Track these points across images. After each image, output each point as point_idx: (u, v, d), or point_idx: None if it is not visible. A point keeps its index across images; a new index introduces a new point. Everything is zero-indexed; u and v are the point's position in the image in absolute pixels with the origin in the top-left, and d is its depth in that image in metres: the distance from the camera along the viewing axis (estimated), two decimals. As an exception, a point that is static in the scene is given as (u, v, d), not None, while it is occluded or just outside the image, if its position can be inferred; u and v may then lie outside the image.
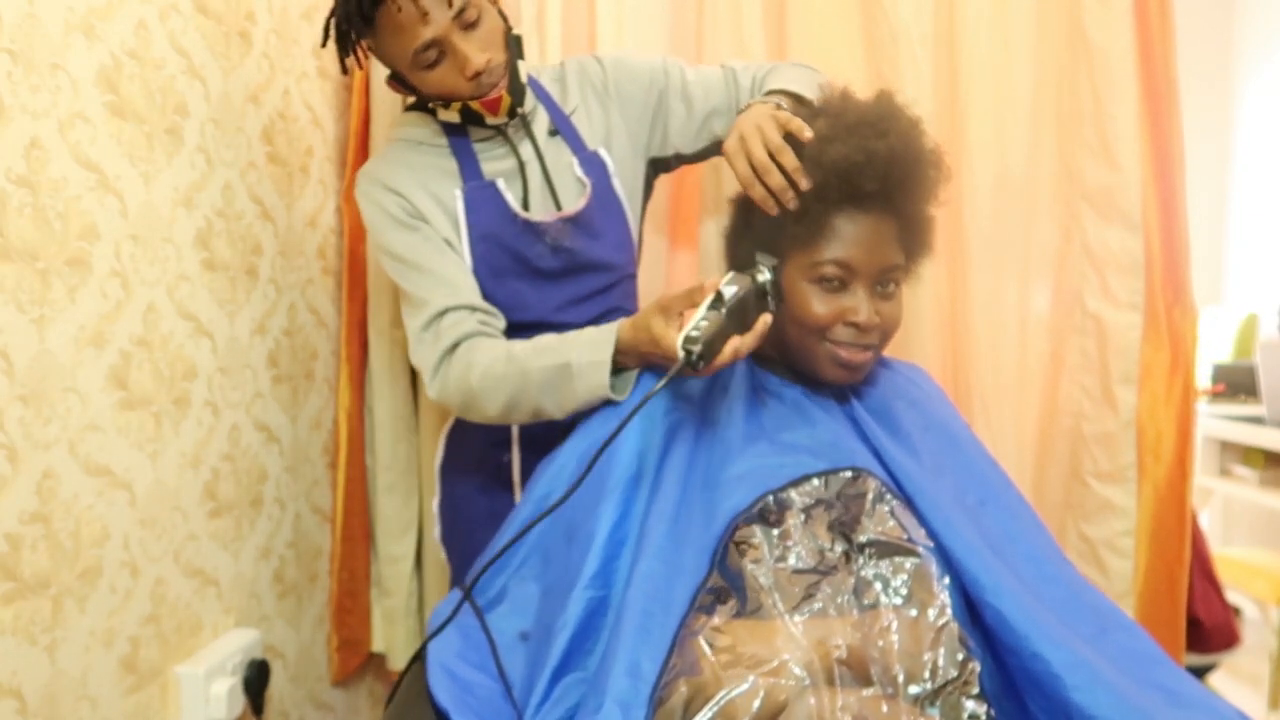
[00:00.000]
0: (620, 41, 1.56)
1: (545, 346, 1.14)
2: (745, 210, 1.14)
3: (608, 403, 1.12)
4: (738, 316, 0.99)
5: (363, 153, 1.61)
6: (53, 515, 0.97)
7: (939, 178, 1.08)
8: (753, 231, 1.11)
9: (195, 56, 1.20)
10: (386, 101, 1.58)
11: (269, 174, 1.39)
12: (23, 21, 0.91)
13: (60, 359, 0.97)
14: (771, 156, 1.06)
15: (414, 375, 1.68)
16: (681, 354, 0.95)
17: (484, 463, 1.36)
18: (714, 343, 0.96)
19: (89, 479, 1.02)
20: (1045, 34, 1.55)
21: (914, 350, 1.53)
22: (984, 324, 1.57)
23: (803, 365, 1.09)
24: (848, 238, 1.03)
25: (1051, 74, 1.56)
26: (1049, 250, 1.58)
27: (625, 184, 1.31)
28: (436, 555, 1.68)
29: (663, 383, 0.97)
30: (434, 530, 1.46)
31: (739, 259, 1.14)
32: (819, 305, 1.04)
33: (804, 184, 1.04)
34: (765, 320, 1.02)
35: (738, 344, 1.00)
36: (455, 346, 1.19)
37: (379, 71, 1.57)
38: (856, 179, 1.01)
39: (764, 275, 1.04)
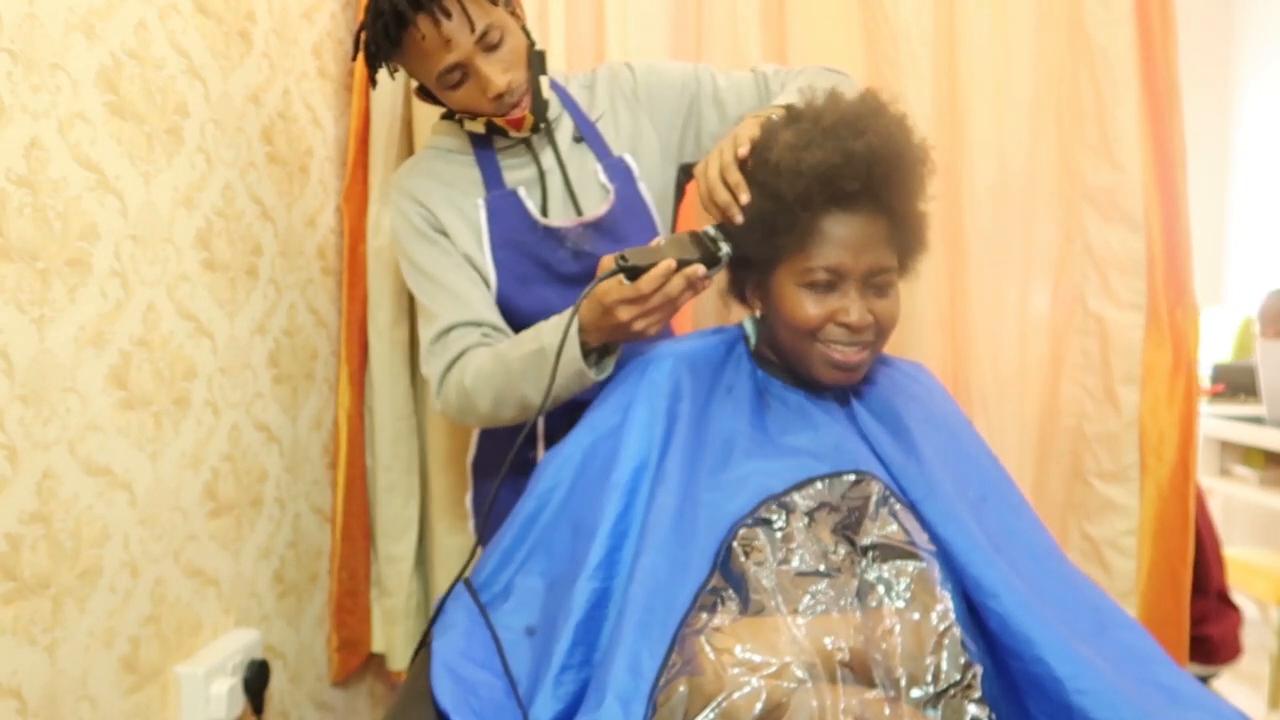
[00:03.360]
0: (625, 40, 1.56)
1: (522, 338, 1.18)
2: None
3: (604, 386, 1.13)
4: (678, 248, 1.06)
5: (363, 153, 1.61)
6: (53, 515, 0.97)
7: (926, 173, 1.08)
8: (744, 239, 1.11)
9: (195, 56, 1.20)
10: (386, 101, 1.58)
11: (269, 174, 1.39)
12: (23, 21, 0.91)
13: (60, 359, 0.97)
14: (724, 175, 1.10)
15: (414, 375, 1.68)
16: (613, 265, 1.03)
17: (512, 459, 1.37)
18: (645, 257, 1.03)
19: (89, 479, 1.02)
20: (1046, 34, 1.55)
21: (914, 350, 1.53)
22: (985, 324, 1.57)
23: (798, 368, 1.09)
24: (835, 241, 1.03)
25: (1052, 74, 1.56)
26: (1050, 250, 1.59)
27: (653, 189, 1.33)
28: (436, 555, 1.69)
29: (593, 286, 1.05)
30: (468, 524, 1.49)
31: (737, 271, 1.14)
32: (810, 307, 1.04)
33: (744, 198, 1.06)
34: (697, 269, 1.05)
35: (670, 266, 1.03)
36: (456, 360, 1.23)
37: (379, 72, 1.57)
38: (837, 181, 1.01)
39: (723, 247, 1.08)
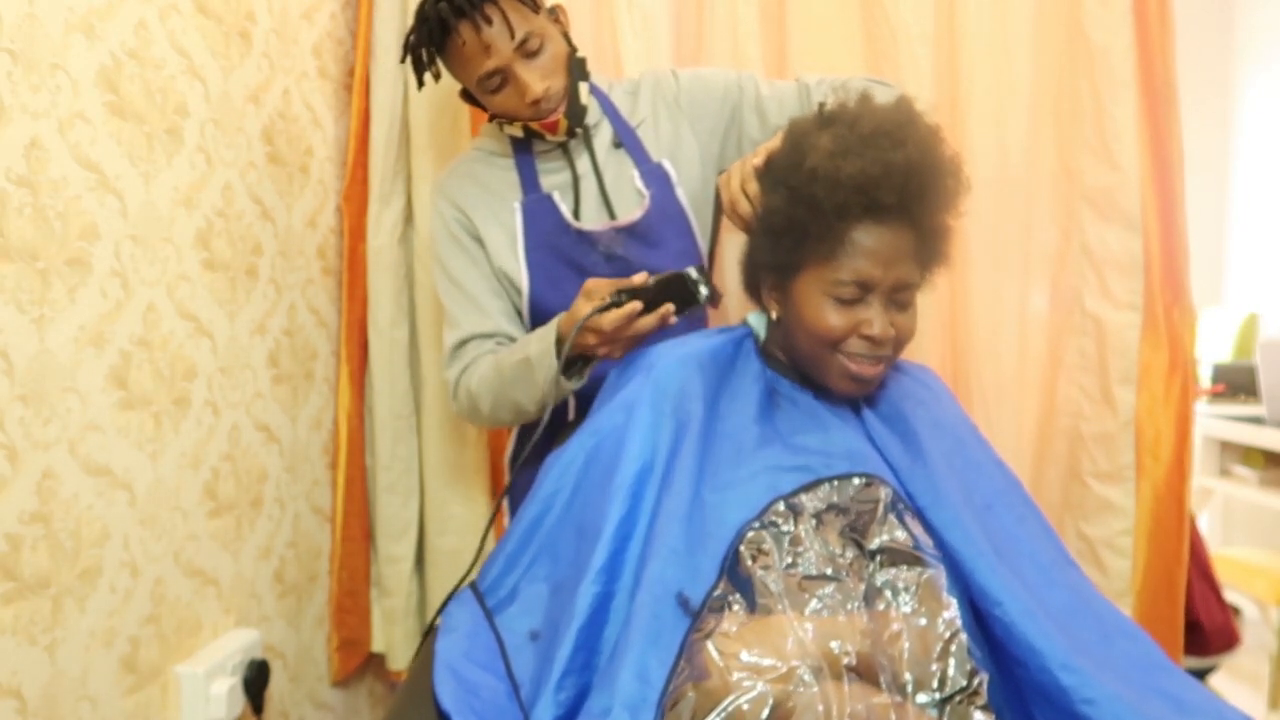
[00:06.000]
0: (625, 41, 1.57)
1: (515, 346, 1.25)
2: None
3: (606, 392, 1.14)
4: (660, 288, 1.11)
5: (363, 153, 1.61)
6: (53, 515, 0.97)
7: (958, 188, 1.06)
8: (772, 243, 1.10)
9: (195, 56, 1.20)
10: (386, 101, 1.58)
11: (269, 174, 1.39)
12: (23, 21, 0.91)
13: (60, 359, 0.97)
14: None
15: (414, 375, 1.68)
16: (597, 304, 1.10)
17: (544, 455, 1.38)
18: (619, 302, 1.10)
19: (89, 479, 1.02)
20: (1045, 34, 1.56)
21: (914, 350, 1.52)
22: (983, 324, 1.58)
23: (813, 375, 1.08)
24: (865, 252, 1.01)
25: (1051, 74, 1.56)
26: (1048, 250, 1.59)
27: (692, 195, 1.35)
28: (436, 555, 1.69)
29: (557, 324, 1.14)
30: (506, 519, 1.50)
31: (755, 271, 1.14)
32: (833, 317, 1.02)
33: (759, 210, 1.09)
34: (668, 308, 1.10)
35: (635, 308, 1.09)
36: (469, 366, 1.30)
37: (379, 72, 1.58)
38: (874, 193, 0.99)
39: (702, 290, 1.11)
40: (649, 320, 1.10)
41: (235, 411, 1.31)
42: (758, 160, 1.10)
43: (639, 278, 1.13)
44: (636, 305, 1.09)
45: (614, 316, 1.09)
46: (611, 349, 1.14)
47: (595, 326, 1.10)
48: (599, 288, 1.12)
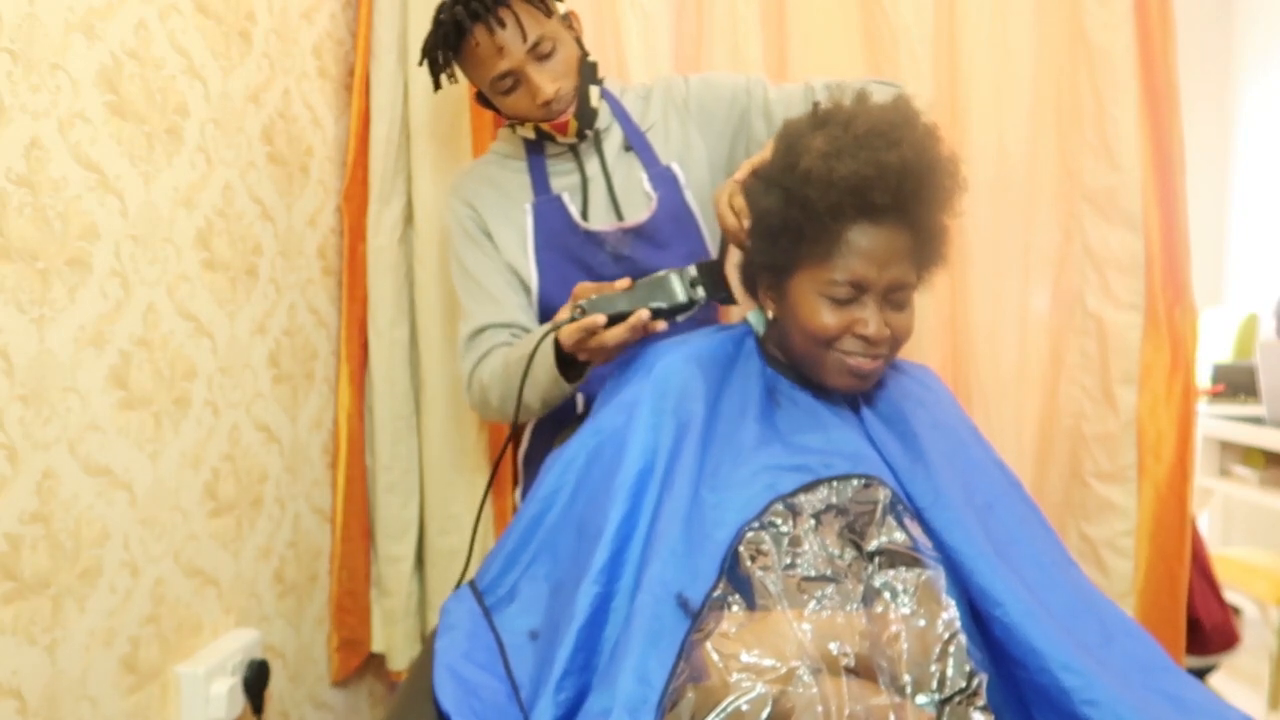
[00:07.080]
0: (625, 39, 1.57)
1: (522, 341, 1.28)
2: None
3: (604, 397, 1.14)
4: (649, 292, 1.11)
5: (363, 153, 1.61)
6: (53, 515, 0.97)
7: (954, 188, 1.05)
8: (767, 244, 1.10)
9: (195, 56, 1.20)
10: (386, 101, 1.58)
11: (269, 174, 1.39)
12: (23, 21, 0.91)
13: (60, 359, 0.97)
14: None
15: (414, 375, 1.68)
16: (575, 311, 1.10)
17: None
18: (597, 306, 1.10)
19: (89, 479, 1.02)
20: (1045, 34, 1.56)
21: (914, 350, 1.53)
22: (984, 324, 1.57)
23: (811, 373, 1.08)
24: (860, 253, 1.01)
25: (1051, 74, 1.56)
26: (1049, 250, 1.59)
27: (700, 198, 1.36)
28: (436, 555, 1.69)
29: (549, 327, 1.13)
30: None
31: (751, 271, 1.14)
32: (828, 317, 1.02)
33: (745, 224, 1.09)
34: (641, 315, 1.09)
35: (594, 322, 1.09)
36: (483, 358, 1.32)
37: (379, 72, 1.58)
38: (868, 194, 0.98)
39: (699, 292, 1.11)
40: (616, 332, 1.09)
41: (235, 411, 1.31)
42: (741, 175, 1.12)
43: (622, 283, 1.12)
44: (598, 320, 1.08)
45: (569, 331, 1.10)
46: (591, 356, 1.14)
47: (560, 338, 1.12)
48: (583, 291, 1.13)
